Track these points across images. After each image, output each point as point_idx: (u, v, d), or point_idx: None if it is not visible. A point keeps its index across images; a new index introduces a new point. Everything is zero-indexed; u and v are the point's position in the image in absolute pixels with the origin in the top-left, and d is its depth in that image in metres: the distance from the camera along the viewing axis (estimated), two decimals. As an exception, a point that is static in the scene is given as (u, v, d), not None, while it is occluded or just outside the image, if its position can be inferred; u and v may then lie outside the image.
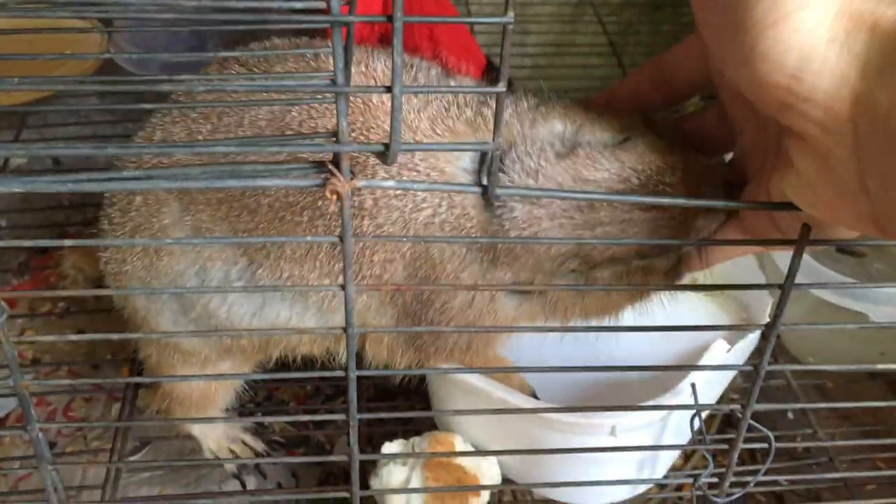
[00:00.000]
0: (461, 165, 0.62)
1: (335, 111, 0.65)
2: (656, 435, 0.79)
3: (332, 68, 0.41)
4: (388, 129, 0.63)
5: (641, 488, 0.86)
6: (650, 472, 0.84)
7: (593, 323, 0.69)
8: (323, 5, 0.40)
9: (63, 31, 0.89)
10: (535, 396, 0.83)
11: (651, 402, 0.75)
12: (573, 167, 0.59)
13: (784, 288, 0.56)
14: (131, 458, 0.97)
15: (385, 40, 0.99)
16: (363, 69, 0.67)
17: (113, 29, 1.19)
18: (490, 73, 0.76)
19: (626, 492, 0.85)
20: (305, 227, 0.65)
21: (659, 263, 0.62)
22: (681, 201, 0.52)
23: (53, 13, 0.45)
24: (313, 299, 0.69)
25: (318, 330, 0.70)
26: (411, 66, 0.69)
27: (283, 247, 0.67)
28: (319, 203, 0.64)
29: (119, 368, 1.04)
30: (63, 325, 1.13)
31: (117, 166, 0.74)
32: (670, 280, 0.64)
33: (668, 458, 0.88)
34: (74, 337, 0.57)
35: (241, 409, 0.91)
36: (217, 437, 0.89)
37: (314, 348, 0.76)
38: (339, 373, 0.58)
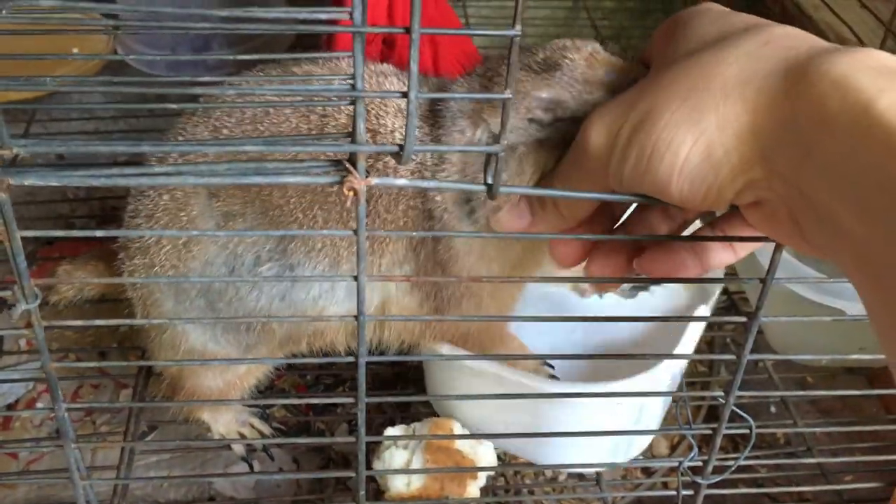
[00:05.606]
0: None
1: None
2: (640, 402, 0.84)
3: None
4: (380, 129, 0.69)
5: (622, 458, 0.91)
6: (627, 447, 0.89)
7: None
8: (345, 17, 0.44)
9: (68, 30, 0.91)
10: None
11: (639, 377, 0.80)
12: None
13: (765, 281, 0.60)
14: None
15: (388, 44, 1.03)
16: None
17: (120, 27, 1.22)
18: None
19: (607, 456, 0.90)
20: (334, 199, 0.69)
21: None
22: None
23: (62, 14, 0.48)
24: (344, 268, 0.71)
25: (332, 319, 0.74)
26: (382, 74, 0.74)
27: (315, 218, 0.70)
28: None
29: (126, 356, 1.07)
30: (68, 315, 1.15)
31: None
32: None
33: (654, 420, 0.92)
34: (101, 322, 0.60)
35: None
36: (226, 421, 0.91)
37: (340, 336, 0.78)
38: (350, 358, 0.61)
